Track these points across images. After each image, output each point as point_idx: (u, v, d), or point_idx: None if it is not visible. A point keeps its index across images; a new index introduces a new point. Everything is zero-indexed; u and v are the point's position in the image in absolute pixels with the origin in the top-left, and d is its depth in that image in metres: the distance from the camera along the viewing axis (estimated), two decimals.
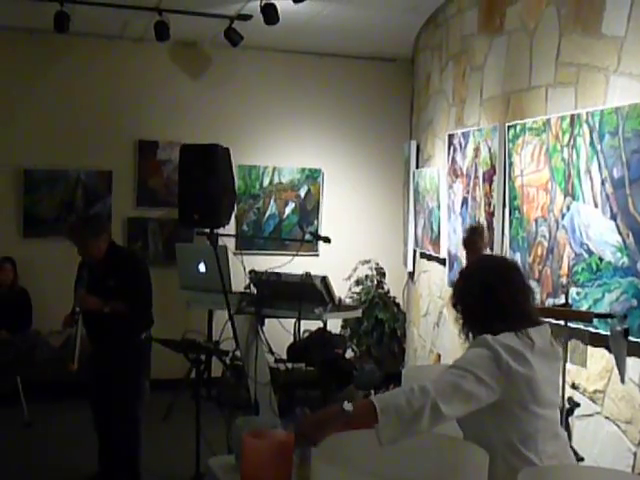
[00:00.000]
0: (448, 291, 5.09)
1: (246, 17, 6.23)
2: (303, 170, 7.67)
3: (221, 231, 5.72)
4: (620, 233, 3.43)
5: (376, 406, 1.98)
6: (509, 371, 2.16)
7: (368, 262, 7.50)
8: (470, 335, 2.36)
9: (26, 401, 6.04)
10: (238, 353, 4.82)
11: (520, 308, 2.31)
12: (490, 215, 4.75)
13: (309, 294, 5.08)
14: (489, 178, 4.77)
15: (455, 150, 5.34)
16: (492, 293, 2.30)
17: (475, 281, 2.37)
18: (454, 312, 2.43)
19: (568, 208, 3.85)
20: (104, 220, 4.91)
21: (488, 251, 4.46)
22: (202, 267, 6.12)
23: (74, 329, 4.56)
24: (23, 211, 7.04)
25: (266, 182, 7.59)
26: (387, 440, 1.99)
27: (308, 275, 5.05)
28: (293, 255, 4.85)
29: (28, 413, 5.99)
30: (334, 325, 6.87)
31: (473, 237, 3.46)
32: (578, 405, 3.63)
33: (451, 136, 5.42)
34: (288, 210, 7.66)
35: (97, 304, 4.48)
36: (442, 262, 5.67)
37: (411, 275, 6.87)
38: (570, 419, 3.57)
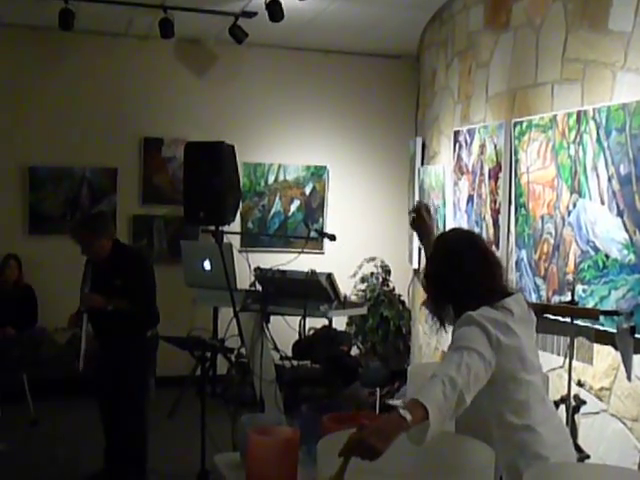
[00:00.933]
0: None
1: (251, 14, 6.22)
2: (308, 167, 7.66)
3: (226, 228, 5.70)
4: (627, 230, 3.42)
5: (427, 408, 1.94)
6: (499, 345, 2.17)
7: (373, 259, 7.50)
8: (439, 318, 2.39)
9: (32, 398, 6.05)
10: (243, 350, 4.82)
11: (484, 286, 2.31)
12: (496, 212, 4.73)
13: (314, 291, 5.07)
14: (495, 175, 4.75)
15: (461, 147, 5.32)
16: (447, 283, 2.33)
17: (432, 270, 2.41)
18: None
19: (574, 205, 3.83)
20: (107, 218, 4.88)
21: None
22: (207, 264, 6.10)
23: (80, 328, 4.56)
24: (28, 208, 7.05)
25: (271, 179, 7.58)
26: (432, 438, 1.96)
27: (313, 272, 5.04)
28: (298, 252, 4.85)
29: (34, 410, 6.00)
30: (339, 322, 6.86)
31: (421, 214, 3.07)
32: (584, 403, 3.61)
33: (457, 133, 5.41)
34: (293, 207, 7.65)
35: (101, 302, 4.48)
36: None
37: (416, 272, 6.85)
38: (576, 417, 3.56)
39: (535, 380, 2.28)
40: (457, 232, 2.68)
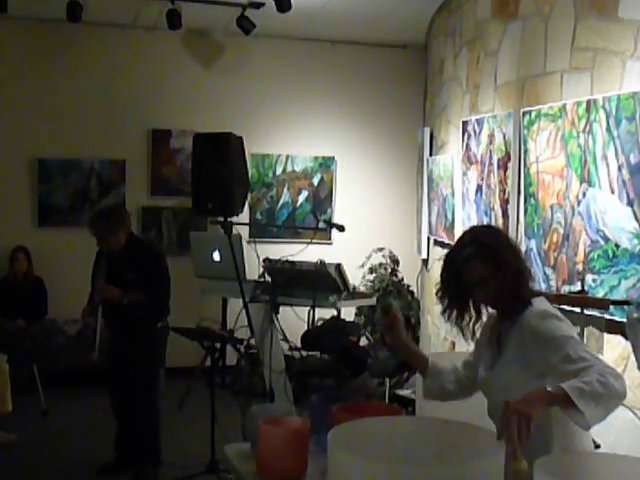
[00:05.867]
0: None
1: (258, 5, 6.21)
2: (316, 158, 7.65)
3: (235, 219, 5.72)
4: (637, 219, 3.40)
5: (564, 388, 2.00)
6: None
7: (382, 250, 7.49)
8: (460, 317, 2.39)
9: (43, 389, 6.09)
10: (253, 341, 4.83)
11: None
12: (505, 202, 4.72)
13: (323, 282, 5.08)
14: (504, 165, 4.74)
15: (469, 137, 5.30)
16: (524, 275, 2.37)
17: (514, 263, 2.36)
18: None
19: (584, 194, 3.82)
20: (125, 212, 4.92)
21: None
22: (216, 255, 6.13)
23: (94, 319, 4.59)
24: (37, 201, 7.07)
25: (279, 170, 7.58)
26: (593, 422, 2.02)
27: (322, 263, 5.04)
28: (307, 243, 4.84)
29: (45, 401, 6.03)
30: (348, 313, 6.86)
31: (397, 324, 2.59)
32: None
33: (465, 123, 5.39)
34: (301, 198, 7.65)
35: (117, 295, 4.50)
36: None
37: (425, 263, 6.85)
38: None
39: None
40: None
